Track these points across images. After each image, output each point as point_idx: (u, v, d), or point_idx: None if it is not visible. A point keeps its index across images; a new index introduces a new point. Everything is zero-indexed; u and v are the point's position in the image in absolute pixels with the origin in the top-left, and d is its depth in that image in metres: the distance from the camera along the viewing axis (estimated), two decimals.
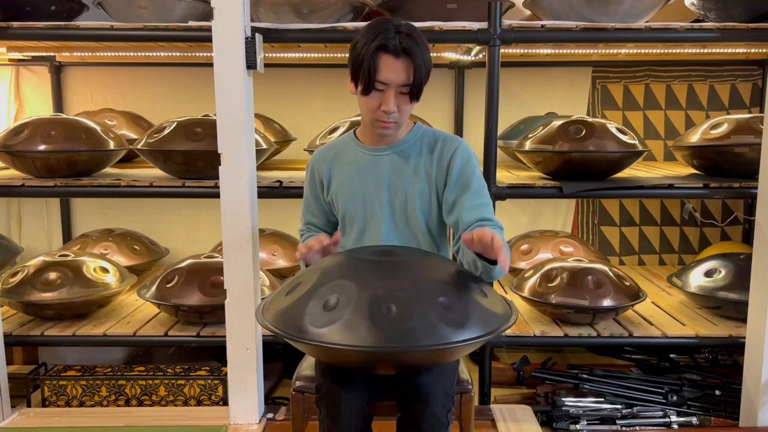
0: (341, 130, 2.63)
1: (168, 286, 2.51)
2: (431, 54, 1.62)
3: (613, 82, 3.35)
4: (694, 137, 2.59)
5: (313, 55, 3.12)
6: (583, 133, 2.45)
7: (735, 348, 2.66)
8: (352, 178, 1.73)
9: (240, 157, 2.14)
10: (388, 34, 1.53)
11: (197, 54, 3.06)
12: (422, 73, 1.56)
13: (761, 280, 2.20)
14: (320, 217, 1.85)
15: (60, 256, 2.66)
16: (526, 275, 2.62)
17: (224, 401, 2.48)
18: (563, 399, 2.44)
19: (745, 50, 2.97)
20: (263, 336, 2.32)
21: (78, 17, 2.65)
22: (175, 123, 2.51)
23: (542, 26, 2.31)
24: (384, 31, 1.53)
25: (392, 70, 1.54)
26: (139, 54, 3.11)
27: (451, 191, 1.68)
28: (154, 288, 2.54)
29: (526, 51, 3.02)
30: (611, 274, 2.50)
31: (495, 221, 1.63)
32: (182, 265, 2.60)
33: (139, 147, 2.51)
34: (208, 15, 2.25)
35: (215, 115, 2.13)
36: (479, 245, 1.42)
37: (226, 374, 2.33)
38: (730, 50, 2.93)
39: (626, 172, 2.67)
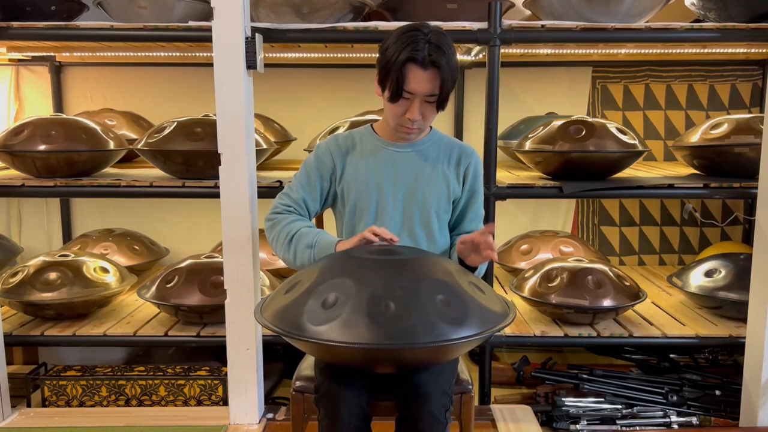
0: (341, 130, 2.63)
1: (168, 286, 2.51)
2: None
3: (613, 82, 3.35)
4: (694, 137, 2.59)
5: (313, 55, 3.12)
6: (583, 133, 2.45)
7: (735, 348, 2.66)
8: (369, 169, 1.73)
9: (240, 157, 2.14)
10: (417, 45, 1.55)
11: (197, 54, 3.06)
12: (449, 84, 1.59)
13: (761, 280, 2.19)
14: (309, 196, 1.75)
15: (60, 256, 2.66)
16: (526, 275, 2.62)
17: (224, 401, 2.48)
18: (563, 399, 2.44)
19: (745, 50, 2.97)
20: (263, 336, 2.32)
21: (78, 17, 2.65)
22: (175, 123, 2.51)
23: (542, 26, 2.32)
24: (414, 42, 1.55)
25: (420, 81, 1.57)
26: (139, 54, 3.11)
27: (462, 198, 1.79)
28: (154, 288, 2.54)
29: (526, 51, 3.02)
30: (611, 274, 2.50)
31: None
32: (182, 265, 2.60)
33: (139, 147, 2.51)
34: (208, 15, 2.26)
35: (215, 115, 2.13)
36: (471, 246, 1.60)
37: (226, 374, 2.33)
38: (730, 50, 2.93)
39: (626, 172, 2.67)
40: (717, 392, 2.53)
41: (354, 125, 2.56)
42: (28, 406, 2.52)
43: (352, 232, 1.75)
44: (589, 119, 2.54)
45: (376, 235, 1.57)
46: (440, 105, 1.63)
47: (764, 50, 2.99)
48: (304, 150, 2.81)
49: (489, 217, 2.37)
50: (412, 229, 1.73)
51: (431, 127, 1.79)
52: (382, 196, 1.72)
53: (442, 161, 1.75)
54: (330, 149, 1.77)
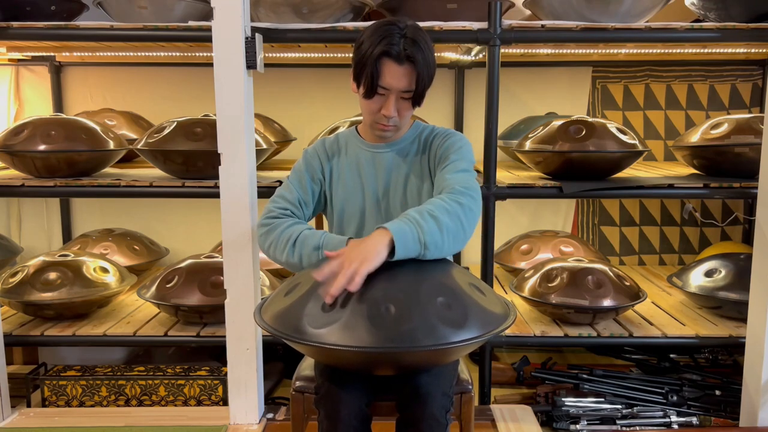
0: (341, 129, 2.63)
1: (168, 286, 2.51)
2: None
3: (613, 82, 3.35)
4: (694, 137, 2.59)
5: (313, 55, 3.12)
6: (583, 133, 2.45)
7: (735, 348, 2.65)
8: (353, 174, 1.73)
9: (240, 157, 2.14)
10: (392, 39, 1.52)
11: (197, 54, 3.06)
12: (425, 80, 1.56)
13: (761, 280, 2.19)
14: (303, 198, 1.74)
15: (60, 256, 2.66)
16: (526, 275, 2.62)
17: (224, 401, 2.48)
18: (563, 399, 2.44)
19: (745, 50, 2.97)
20: (263, 336, 2.32)
21: (78, 17, 2.65)
22: (175, 123, 2.51)
23: (542, 26, 2.31)
24: (389, 36, 1.53)
25: (395, 76, 1.55)
26: (139, 54, 3.11)
27: (435, 173, 1.67)
28: (154, 288, 2.54)
29: (526, 51, 3.02)
30: (611, 274, 2.50)
31: (459, 189, 1.52)
32: (182, 265, 2.60)
33: (139, 147, 2.51)
34: (208, 15, 2.26)
35: (215, 115, 2.13)
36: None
37: (226, 374, 2.33)
38: (730, 50, 2.93)
39: (626, 172, 2.67)
40: (717, 392, 2.53)
41: (353, 125, 2.56)
42: (28, 406, 2.52)
43: (344, 235, 1.73)
44: (589, 119, 2.53)
45: None
46: (416, 101, 1.59)
47: (764, 50, 2.99)
48: (304, 150, 2.80)
49: (489, 217, 2.37)
50: None
51: (414, 121, 1.77)
52: (368, 199, 1.71)
53: (421, 155, 1.72)
54: (317, 153, 1.77)
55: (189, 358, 2.93)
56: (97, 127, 2.59)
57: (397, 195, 1.71)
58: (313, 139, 2.77)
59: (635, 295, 2.48)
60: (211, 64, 2.09)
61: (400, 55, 1.52)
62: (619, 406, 2.43)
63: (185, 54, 3.06)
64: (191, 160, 2.43)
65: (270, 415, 2.37)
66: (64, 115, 2.65)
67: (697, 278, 2.63)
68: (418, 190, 1.71)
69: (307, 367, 1.68)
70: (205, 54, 3.04)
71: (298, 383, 1.64)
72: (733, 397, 2.47)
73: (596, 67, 3.33)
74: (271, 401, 2.63)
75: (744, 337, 2.31)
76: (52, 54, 3.24)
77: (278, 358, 2.92)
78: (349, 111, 2.97)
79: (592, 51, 2.96)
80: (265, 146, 2.54)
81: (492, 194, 2.35)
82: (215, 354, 2.87)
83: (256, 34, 2.13)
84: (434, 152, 1.70)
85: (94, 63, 3.34)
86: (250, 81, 2.17)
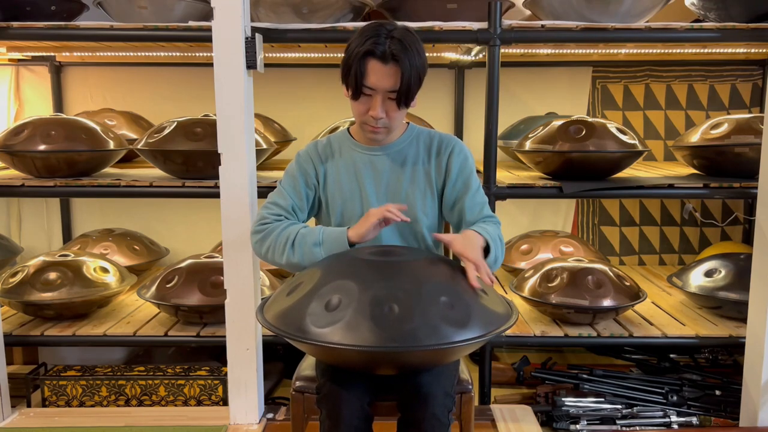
0: (341, 129, 2.63)
1: (168, 286, 2.51)
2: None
3: (613, 82, 3.35)
4: (694, 137, 2.59)
5: (313, 55, 3.12)
6: (583, 133, 2.45)
7: (735, 348, 2.66)
8: (350, 177, 1.72)
9: (240, 157, 2.14)
10: (378, 39, 1.52)
11: (197, 54, 3.06)
12: (410, 79, 1.55)
13: (761, 280, 2.20)
14: (297, 203, 1.74)
15: (60, 256, 2.66)
16: (526, 275, 2.62)
17: (224, 401, 2.48)
18: (563, 399, 2.44)
19: (745, 50, 2.97)
20: (263, 336, 2.32)
21: (78, 17, 2.65)
22: (175, 123, 2.51)
23: (542, 26, 2.32)
24: (375, 36, 1.53)
25: (379, 75, 1.54)
26: (139, 54, 3.11)
27: (451, 190, 1.71)
28: (154, 288, 2.54)
29: (526, 51, 3.02)
30: (611, 274, 2.50)
31: (494, 217, 1.73)
32: (182, 265, 2.60)
33: (139, 147, 2.51)
34: (208, 15, 2.25)
35: (215, 115, 2.13)
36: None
37: (226, 374, 2.33)
38: (730, 50, 2.93)
39: (626, 172, 2.68)
40: (717, 392, 2.53)
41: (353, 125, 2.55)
42: (28, 406, 2.52)
43: None
44: (589, 119, 2.54)
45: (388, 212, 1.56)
46: (403, 102, 1.58)
47: (764, 50, 2.99)
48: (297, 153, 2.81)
49: None
50: (402, 229, 1.71)
51: (408, 123, 1.76)
52: (366, 202, 1.70)
53: (422, 157, 1.72)
54: (311, 156, 1.76)
55: (189, 358, 2.93)
56: (97, 127, 2.59)
57: (397, 196, 1.71)
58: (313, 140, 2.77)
59: (635, 295, 2.49)
60: (211, 64, 2.09)
61: (385, 54, 1.52)
62: (619, 406, 2.43)
63: (185, 54, 3.06)
64: (191, 160, 2.43)
65: (270, 415, 2.37)
66: (64, 115, 2.65)
67: (697, 278, 2.63)
68: (420, 191, 1.70)
69: (307, 367, 1.68)
70: (205, 54, 3.04)
71: (298, 383, 1.64)
72: (733, 397, 2.47)
73: (596, 67, 3.33)
74: (271, 401, 2.63)
75: (744, 337, 2.32)
76: (52, 54, 3.24)
77: (278, 358, 2.92)
78: (349, 111, 2.96)
79: (592, 51, 2.96)
80: (265, 146, 2.54)
81: (492, 194, 2.35)
82: (215, 354, 2.87)
83: (256, 34, 2.13)
84: (441, 162, 1.71)
85: (94, 63, 3.33)
86: (250, 81, 2.17)
